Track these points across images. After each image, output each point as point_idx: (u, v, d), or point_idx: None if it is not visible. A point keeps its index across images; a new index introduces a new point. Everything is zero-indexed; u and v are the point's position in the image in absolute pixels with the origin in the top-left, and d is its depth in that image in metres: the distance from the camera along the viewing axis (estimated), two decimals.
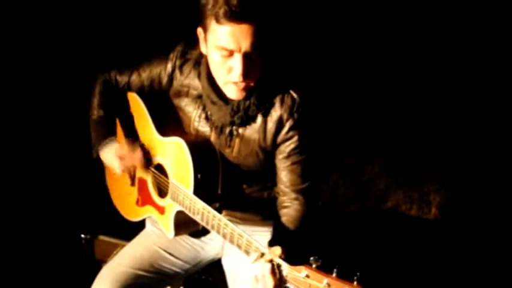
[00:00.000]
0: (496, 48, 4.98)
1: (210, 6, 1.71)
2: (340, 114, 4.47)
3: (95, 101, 2.14)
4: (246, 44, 1.71)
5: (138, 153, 2.03)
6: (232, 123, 1.89)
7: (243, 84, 1.79)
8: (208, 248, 2.15)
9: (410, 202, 3.73)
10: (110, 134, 2.08)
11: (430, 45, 5.07)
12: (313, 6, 4.70)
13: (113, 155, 2.02)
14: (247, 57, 1.73)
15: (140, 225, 2.28)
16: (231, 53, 1.73)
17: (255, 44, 1.71)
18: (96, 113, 2.12)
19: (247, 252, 1.71)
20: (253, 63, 1.76)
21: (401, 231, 3.52)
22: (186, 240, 2.15)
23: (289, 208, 1.89)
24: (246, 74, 1.75)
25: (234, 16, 1.67)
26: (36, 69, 3.70)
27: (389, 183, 3.91)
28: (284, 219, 1.87)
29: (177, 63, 1.99)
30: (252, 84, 1.81)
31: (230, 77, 1.78)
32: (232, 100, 1.86)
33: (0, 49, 3.55)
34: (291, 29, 3.86)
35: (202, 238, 2.14)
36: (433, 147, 4.35)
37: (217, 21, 1.70)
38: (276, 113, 1.87)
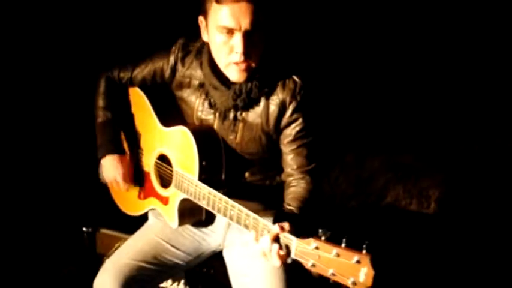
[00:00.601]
0: (495, 45, 4.99)
1: None
2: (340, 111, 4.49)
3: (100, 102, 2.19)
4: (245, 22, 1.74)
5: (120, 172, 2.15)
6: (235, 107, 1.91)
7: (244, 65, 1.81)
8: (210, 239, 2.17)
9: (410, 197, 3.74)
10: (115, 145, 2.17)
11: (430, 42, 5.07)
12: None
13: (105, 171, 2.17)
14: (247, 36, 1.76)
15: (142, 219, 2.29)
16: (231, 32, 1.77)
17: (254, 22, 1.75)
18: (101, 114, 2.17)
19: (254, 231, 1.72)
20: (253, 43, 1.78)
21: (401, 226, 3.53)
22: (188, 232, 2.16)
23: (295, 186, 1.91)
24: (247, 53, 1.78)
25: None
26: (37, 66, 3.71)
27: (389, 179, 3.92)
28: (290, 196, 1.89)
29: (179, 55, 2.02)
30: (253, 65, 1.83)
31: (232, 57, 1.80)
32: (233, 84, 1.89)
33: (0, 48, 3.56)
34: (292, 13, 3.88)
35: (204, 230, 2.16)
36: (432, 142, 4.36)
37: (218, 1, 1.75)
38: (278, 96, 1.89)
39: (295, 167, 1.91)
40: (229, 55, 1.81)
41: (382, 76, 4.91)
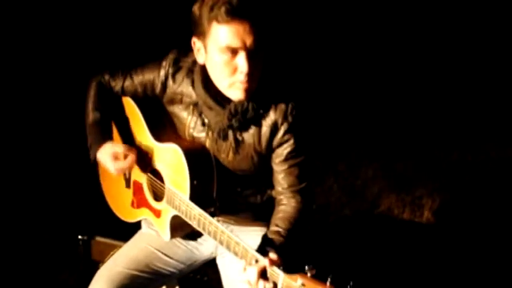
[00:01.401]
0: (492, 53, 5.03)
1: (208, 11, 1.75)
2: (333, 120, 4.53)
3: (90, 105, 2.14)
4: (250, 41, 1.74)
5: (133, 156, 2.03)
6: (230, 127, 1.91)
7: (247, 84, 1.80)
8: (202, 248, 2.20)
9: (403, 206, 3.78)
10: (107, 136, 2.09)
11: (425, 51, 5.12)
12: (309, 8, 4.74)
13: (109, 156, 2.02)
14: (251, 55, 1.76)
15: (137, 227, 2.32)
16: (235, 52, 1.76)
17: (258, 41, 1.75)
18: (91, 115, 2.11)
19: (243, 258, 1.74)
20: (256, 62, 1.79)
21: (394, 234, 3.56)
22: (181, 241, 2.19)
23: (285, 205, 1.93)
24: (251, 73, 1.78)
25: (235, 13, 1.71)
26: (31, 72, 3.74)
27: (382, 187, 3.96)
28: (279, 215, 1.91)
29: (170, 71, 2.01)
30: (254, 84, 1.83)
31: (236, 77, 1.79)
32: (228, 104, 1.89)
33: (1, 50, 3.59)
34: (284, 32, 3.91)
35: (197, 239, 2.18)
36: (426, 151, 4.40)
37: (219, 21, 1.73)
38: (270, 117, 1.90)
39: (286, 186, 1.94)
40: (233, 75, 1.79)
41: (376, 85, 4.96)
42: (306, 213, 1.92)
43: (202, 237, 2.18)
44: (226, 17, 1.72)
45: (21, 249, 3.20)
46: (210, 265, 2.26)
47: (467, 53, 5.13)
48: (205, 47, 1.83)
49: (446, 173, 4.10)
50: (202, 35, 1.81)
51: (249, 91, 1.83)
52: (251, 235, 2.03)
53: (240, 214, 2.05)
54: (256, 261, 1.68)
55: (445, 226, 3.59)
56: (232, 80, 1.81)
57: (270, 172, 1.99)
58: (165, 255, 2.16)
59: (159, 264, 2.15)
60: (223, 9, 1.71)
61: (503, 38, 5.07)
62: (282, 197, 1.95)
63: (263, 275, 1.64)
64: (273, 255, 1.66)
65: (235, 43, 1.74)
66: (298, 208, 1.91)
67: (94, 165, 2.27)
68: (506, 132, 4.55)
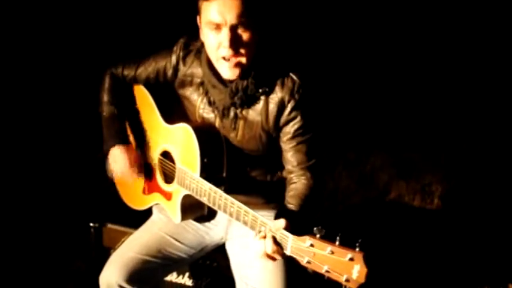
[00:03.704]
0: (496, 43, 5.01)
1: None
2: (342, 109, 4.53)
3: (105, 97, 2.24)
4: (231, 16, 1.81)
5: (128, 161, 2.18)
6: (233, 105, 1.96)
7: (234, 60, 1.86)
8: (212, 233, 2.22)
9: (413, 193, 3.78)
10: (122, 137, 2.22)
11: (431, 39, 5.10)
12: None
13: (118, 159, 2.19)
14: (233, 30, 1.82)
15: (147, 214, 2.34)
16: (218, 27, 1.83)
17: (239, 16, 1.81)
18: (107, 109, 2.22)
19: (253, 228, 1.77)
20: (240, 37, 1.84)
21: (405, 220, 3.57)
22: (191, 226, 2.21)
23: (296, 183, 1.95)
24: (235, 48, 1.84)
25: None
26: (46, 64, 3.77)
27: (392, 175, 3.96)
28: (291, 193, 1.93)
29: (181, 54, 2.07)
30: (243, 61, 1.87)
31: (220, 52, 1.86)
32: (230, 82, 1.93)
33: (2, 47, 3.62)
34: (286, 12, 3.91)
35: (207, 224, 2.21)
36: (435, 139, 4.39)
37: None
38: (277, 95, 1.93)
39: (295, 163, 1.96)
40: (218, 50, 1.86)
41: (385, 74, 4.95)
42: (316, 190, 1.94)
43: (212, 222, 2.20)
44: None
45: (34, 237, 3.24)
46: (219, 251, 2.29)
47: (475, 46, 5.11)
48: (200, 24, 1.91)
49: (456, 160, 4.09)
50: (199, 11, 1.90)
51: (238, 68, 1.88)
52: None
53: (250, 195, 2.06)
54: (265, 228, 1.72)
55: (455, 212, 3.60)
56: (217, 55, 1.88)
57: (278, 153, 2.01)
58: (176, 240, 2.19)
59: (170, 249, 2.18)
60: None
61: (505, 33, 5.05)
62: (292, 175, 1.97)
63: (272, 240, 1.68)
64: (281, 220, 1.69)
65: (218, 19, 1.82)
66: (309, 185, 1.93)
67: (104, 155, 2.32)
68: None
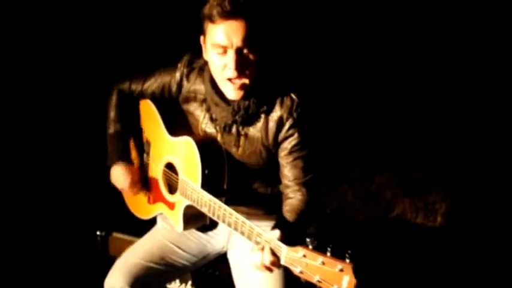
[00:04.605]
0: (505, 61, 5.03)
1: (206, 11, 1.91)
2: (348, 128, 4.59)
3: (111, 113, 2.35)
4: (237, 39, 1.88)
5: (128, 179, 2.31)
6: (234, 122, 2.05)
7: (238, 82, 1.94)
8: (214, 241, 2.29)
9: (416, 211, 3.81)
10: (124, 155, 2.34)
11: (441, 62, 5.14)
12: (311, 8, 4.80)
13: (119, 175, 2.32)
14: (239, 53, 1.90)
15: (152, 223, 2.42)
16: (225, 50, 1.91)
17: (246, 39, 1.89)
18: (112, 127, 2.33)
19: (249, 238, 1.85)
20: (246, 60, 1.92)
21: (408, 238, 3.60)
22: (193, 234, 2.29)
23: (292, 199, 2.02)
24: (240, 70, 1.91)
25: (225, 14, 1.86)
26: (55, 71, 3.86)
27: (396, 193, 3.99)
28: (287, 208, 2.01)
29: (185, 71, 2.16)
30: (247, 82, 1.95)
31: (225, 74, 1.94)
32: (233, 101, 2.01)
33: (7, 53, 3.71)
34: (286, 32, 3.98)
35: (209, 233, 2.28)
36: (439, 158, 4.43)
37: (212, 21, 1.90)
38: (276, 113, 2.02)
39: (291, 178, 2.03)
40: (223, 71, 1.94)
41: (391, 94, 5.00)
42: (311, 205, 2.01)
43: (214, 231, 2.28)
44: (218, 18, 1.88)
45: (39, 245, 3.32)
46: (221, 260, 2.35)
47: (482, 63, 5.14)
48: (205, 44, 1.99)
49: (459, 179, 4.12)
50: (203, 33, 1.97)
51: (242, 89, 1.96)
52: (262, 230, 2.11)
53: (251, 206, 2.14)
54: (261, 246, 1.78)
55: (458, 231, 3.62)
56: (223, 76, 1.95)
57: (278, 168, 2.09)
58: (179, 248, 2.27)
59: (173, 256, 2.25)
60: (215, 10, 1.88)
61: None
62: (288, 190, 2.04)
63: (270, 251, 1.74)
64: (276, 231, 1.77)
65: (224, 41, 1.89)
66: (304, 200, 2.00)
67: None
68: None
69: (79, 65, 3.91)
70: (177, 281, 2.48)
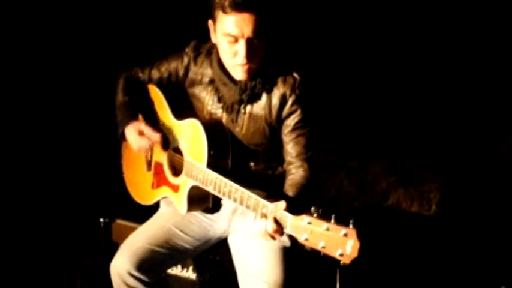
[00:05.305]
0: (498, 47, 5.10)
1: (218, 0, 1.98)
2: (344, 119, 4.66)
3: (119, 91, 2.39)
4: (248, 31, 1.97)
5: (157, 133, 2.23)
6: (241, 101, 2.14)
7: (247, 66, 2.04)
8: (216, 226, 2.35)
9: (411, 199, 3.88)
10: (135, 116, 2.32)
11: (433, 50, 5.20)
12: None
13: (135, 131, 2.24)
14: (249, 42, 1.99)
15: (154, 209, 2.47)
16: (236, 39, 2.00)
17: (256, 30, 1.98)
18: (121, 98, 2.36)
19: (255, 210, 1.92)
20: (255, 48, 2.01)
21: (402, 226, 3.66)
22: (196, 218, 2.35)
23: (294, 174, 2.10)
24: (250, 57, 2.01)
25: (237, 6, 1.94)
26: (57, 66, 3.91)
27: (391, 183, 4.07)
28: (290, 182, 2.09)
29: (192, 55, 2.25)
30: (255, 66, 2.06)
31: (236, 60, 2.04)
32: (240, 81, 2.11)
33: (9, 49, 3.76)
34: (292, 18, 4.04)
35: (211, 216, 2.35)
36: (434, 148, 4.51)
37: (224, 11, 1.97)
38: (279, 90, 2.11)
39: (294, 154, 2.11)
40: (233, 58, 2.04)
41: (387, 84, 5.07)
42: (313, 180, 2.09)
43: (216, 215, 2.34)
44: (230, 9, 1.96)
45: (42, 233, 3.36)
46: (222, 246, 2.41)
47: (474, 51, 5.21)
48: (215, 30, 2.08)
49: (454, 169, 4.20)
50: (214, 19, 2.06)
51: (249, 72, 2.07)
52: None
53: (252, 188, 2.19)
54: (264, 215, 1.86)
55: (452, 219, 3.68)
56: (233, 62, 2.05)
57: (280, 148, 2.17)
58: (182, 231, 2.32)
59: (176, 240, 2.31)
60: (227, 1, 1.95)
61: (506, 36, 5.15)
62: (291, 167, 2.12)
63: (273, 220, 1.81)
64: (282, 202, 1.83)
65: (236, 32, 1.98)
66: (306, 176, 2.08)
67: (114, 149, 2.44)
68: None
69: (77, 59, 3.97)
70: (179, 266, 2.53)
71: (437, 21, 5.20)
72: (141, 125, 2.26)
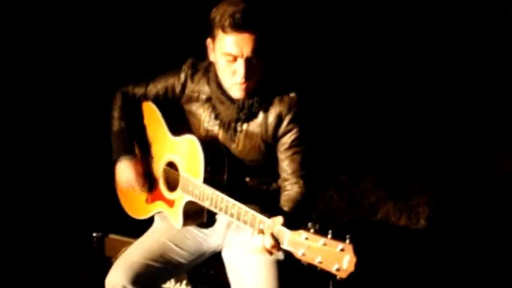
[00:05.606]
0: (484, 64, 5.18)
1: (217, 19, 2.03)
2: (335, 133, 4.70)
3: (115, 113, 2.43)
4: (247, 50, 2.01)
5: (143, 186, 2.38)
6: (238, 119, 2.18)
7: (245, 85, 2.08)
8: (210, 240, 2.37)
9: (399, 213, 3.93)
10: (130, 149, 2.41)
11: (424, 62, 5.27)
12: (312, 13, 4.90)
13: (125, 173, 2.39)
14: (248, 62, 2.03)
15: (148, 223, 2.49)
16: (235, 58, 2.04)
17: (255, 50, 2.02)
18: (117, 124, 2.41)
19: (252, 226, 1.95)
20: (254, 67, 2.05)
21: (391, 240, 3.71)
22: (191, 233, 2.37)
23: (289, 190, 2.14)
24: (248, 76, 2.05)
25: (237, 26, 1.99)
26: (54, 77, 3.92)
27: (380, 197, 4.11)
28: (285, 199, 2.12)
29: (189, 72, 2.29)
30: (253, 85, 2.10)
31: (234, 79, 2.07)
32: (237, 99, 2.15)
33: (8, 53, 3.77)
34: (287, 36, 4.10)
35: (205, 231, 2.37)
36: (422, 163, 4.57)
37: (224, 31, 2.01)
38: (275, 109, 2.15)
39: (289, 172, 2.14)
40: (232, 77, 2.08)
41: (374, 103, 5.13)
42: (308, 197, 2.13)
43: (210, 229, 2.36)
44: (230, 29, 2.00)
45: (36, 247, 3.35)
46: (216, 260, 2.43)
47: (466, 64, 5.29)
48: (214, 48, 2.11)
49: (442, 183, 4.26)
50: (213, 38, 2.10)
51: (247, 91, 2.10)
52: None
53: (247, 203, 2.22)
54: (261, 231, 1.89)
55: (440, 233, 3.74)
56: (231, 81, 2.09)
57: (275, 164, 2.20)
58: (177, 246, 2.34)
59: (171, 254, 2.33)
60: (228, 22, 1.99)
61: (504, 45, 5.22)
62: (286, 183, 2.16)
63: (270, 235, 1.84)
64: (279, 217, 1.86)
65: (236, 51, 2.02)
66: (302, 192, 2.12)
67: (108, 164, 2.50)
68: (502, 143, 4.71)
69: (78, 68, 3.98)
70: (172, 280, 2.55)
71: (432, 29, 5.25)
72: (133, 169, 2.36)
